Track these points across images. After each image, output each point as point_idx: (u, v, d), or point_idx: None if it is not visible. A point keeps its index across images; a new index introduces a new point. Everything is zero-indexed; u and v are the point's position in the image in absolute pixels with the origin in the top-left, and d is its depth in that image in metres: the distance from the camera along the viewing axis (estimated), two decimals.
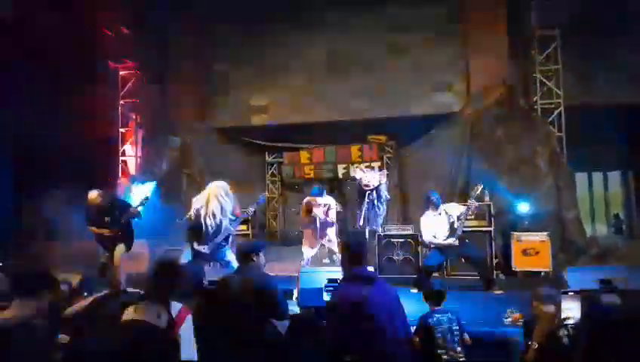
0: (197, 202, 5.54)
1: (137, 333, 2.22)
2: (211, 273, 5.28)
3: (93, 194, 5.93)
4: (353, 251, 3.15)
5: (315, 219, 6.80)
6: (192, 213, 5.52)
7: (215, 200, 5.44)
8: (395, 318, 2.93)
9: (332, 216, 6.90)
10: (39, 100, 7.49)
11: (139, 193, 7.85)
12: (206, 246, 5.45)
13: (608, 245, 8.13)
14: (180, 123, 9.71)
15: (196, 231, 5.45)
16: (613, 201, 11.40)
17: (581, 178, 11.31)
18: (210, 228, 5.41)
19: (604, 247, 7.87)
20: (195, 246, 5.49)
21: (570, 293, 2.52)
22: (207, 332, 3.28)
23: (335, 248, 6.84)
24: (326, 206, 6.91)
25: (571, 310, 2.54)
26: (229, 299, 3.35)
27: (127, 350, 2.05)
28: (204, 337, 3.09)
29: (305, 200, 7.17)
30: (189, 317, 3.25)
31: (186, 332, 3.15)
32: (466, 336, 3.82)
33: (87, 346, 2.68)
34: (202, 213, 5.42)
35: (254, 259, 3.59)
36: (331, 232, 6.94)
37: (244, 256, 3.62)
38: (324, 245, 7.02)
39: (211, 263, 5.94)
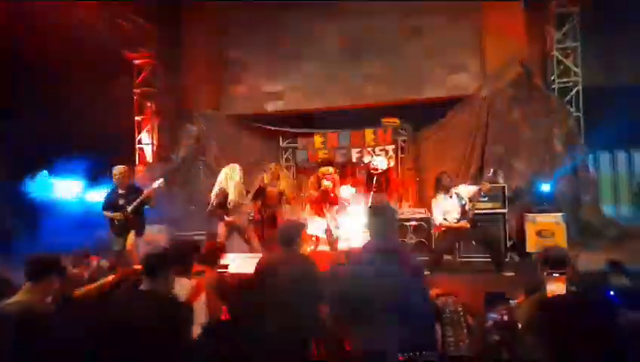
0: (218, 184, 6.32)
1: (142, 301, 2.29)
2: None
3: (121, 168, 6.20)
4: (376, 222, 3.11)
5: (326, 192, 6.73)
6: (216, 191, 6.25)
7: (231, 181, 6.21)
8: (414, 291, 2.86)
9: (337, 193, 6.82)
10: (54, 91, 7.65)
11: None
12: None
13: (629, 226, 7.97)
14: (195, 110, 9.81)
15: (223, 205, 6.19)
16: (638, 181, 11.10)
17: (604, 158, 11.06)
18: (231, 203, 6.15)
19: (623, 229, 7.72)
20: (226, 218, 6.21)
21: (555, 274, 2.46)
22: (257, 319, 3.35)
23: (335, 230, 6.84)
24: (334, 181, 6.85)
25: (557, 292, 2.48)
26: (279, 284, 3.35)
27: (132, 317, 2.11)
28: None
29: (314, 175, 7.14)
30: (203, 295, 3.36)
31: (200, 308, 3.26)
32: (470, 319, 3.83)
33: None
34: (226, 191, 6.19)
35: (298, 241, 3.62)
36: (334, 211, 6.89)
37: (290, 238, 3.59)
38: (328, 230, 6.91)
39: None
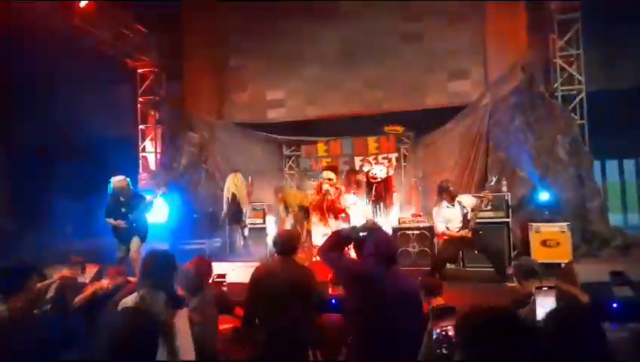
0: (227, 191, 6.57)
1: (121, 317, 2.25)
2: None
3: (119, 178, 6.19)
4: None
5: (326, 195, 6.54)
6: (228, 197, 6.50)
7: (239, 188, 6.54)
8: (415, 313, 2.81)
9: (344, 202, 6.56)
10: (60, 101, 7.71)
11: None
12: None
13: (636, 235, 7.83)
14: (197, 118, 9.83)
15: (236, 214, 6.44)
16: None
17: (612, 165, 10.92)
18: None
19: (630, 238, 7.59)
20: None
21: (544, 288, 2.38)
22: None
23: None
24: (338, 188, 6.67)
25: (547, 306, 2.41)
26: (280, 293, 3.35)
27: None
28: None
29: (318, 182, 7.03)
30: (184, 315, 3.20)
31: (183, 331, 3.14)
32: None
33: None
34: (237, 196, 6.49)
35: (297, 249, 3.61)
36: (340, 220, 6.60)
37: (288, 246, 3.57)
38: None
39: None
